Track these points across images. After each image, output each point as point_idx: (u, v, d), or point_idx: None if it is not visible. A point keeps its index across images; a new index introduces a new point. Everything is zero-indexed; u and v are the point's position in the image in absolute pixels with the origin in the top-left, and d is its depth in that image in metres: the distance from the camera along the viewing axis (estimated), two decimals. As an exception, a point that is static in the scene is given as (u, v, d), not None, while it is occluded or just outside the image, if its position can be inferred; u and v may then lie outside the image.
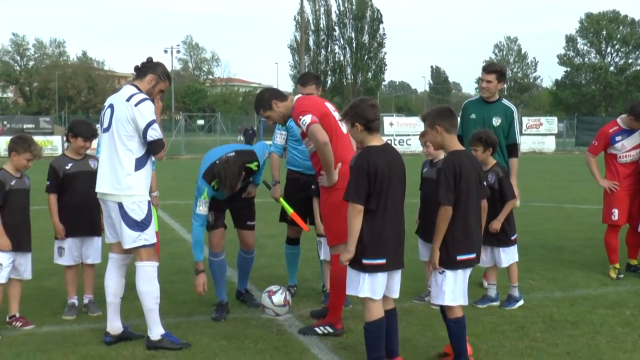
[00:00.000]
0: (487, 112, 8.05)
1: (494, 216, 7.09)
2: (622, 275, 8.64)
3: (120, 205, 5.88)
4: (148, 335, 6.01)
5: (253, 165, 6.97)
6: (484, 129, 7.51)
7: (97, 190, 6.03)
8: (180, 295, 7.82)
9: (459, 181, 5.31)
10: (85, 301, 7.19)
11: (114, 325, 6.14)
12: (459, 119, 8.06)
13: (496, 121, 7.99)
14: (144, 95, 5.94)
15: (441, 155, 6.42)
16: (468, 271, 5.49)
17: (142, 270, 6.00)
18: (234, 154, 6.82)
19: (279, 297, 6.91)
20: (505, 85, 8.05)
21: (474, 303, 7.23)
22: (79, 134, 7.01)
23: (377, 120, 5.36)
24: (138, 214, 5.91)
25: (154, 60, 6.22)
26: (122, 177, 5.86)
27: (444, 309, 5.51)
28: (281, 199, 7.55)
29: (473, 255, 5.44)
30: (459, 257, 5.35)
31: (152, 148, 5.93)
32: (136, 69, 6.17)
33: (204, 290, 6.86)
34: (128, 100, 5.88)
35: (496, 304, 7.25)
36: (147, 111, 5.86)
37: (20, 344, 6.12)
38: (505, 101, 8.23)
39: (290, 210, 7.35)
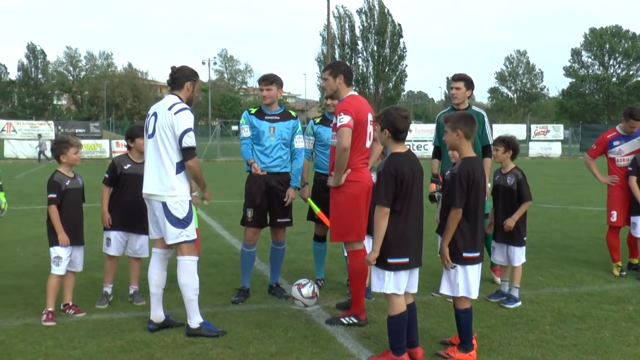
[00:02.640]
0: None
1: (511, 215, 7.05)
2: (624, 273, 8.53)
3: (164, 205, 5.92)
4: (187, 324, 6.02)
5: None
6: (509, 135, 7.46)
7: (143, 191, 6.08)
8: (216, 287, 7.83)
9: (471, 186, 5.30)
10: (131, 292, 7.22)
11: (157, 314, 6.16)
12: (435, 130, 7.99)
13: None
14: (184, 105, 5.97)
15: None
16: (476, 267, 5.46)
17: (183, 263, 6.01)
18: None
19: (307, 290, 6.89)
20: (472, 93, 7.86)
21: (488, 297, 7.17)
22: (137, 134, 7.11)
23: (405, 132, 5.31)
24: (180, 213, 5.93)
25: (176, 66, 6.19)
26: (165, 179, 5.91)
27: (454, 301, 5.52)
28: (309, 199, 7.56)
29: (477, 254, 5.44)
30: (465, 255, 5.38)
31: (184, 153, 5.91)
32: (170, 82, 6.17)
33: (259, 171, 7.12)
34: (170, 109, 5.92)
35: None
36: (186, 120, 5.88)
37: (73, 329, 6.16)
38: (475, 108, 8.04)
39: (317, 210, 7.36)
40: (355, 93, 6.54)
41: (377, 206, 5.13)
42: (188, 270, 6.02)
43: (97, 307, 6.96)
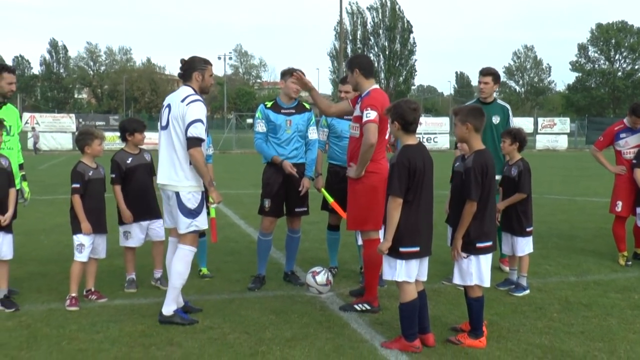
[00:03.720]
0: (487, 112, 7.85)
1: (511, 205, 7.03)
2: (630, 263, 8.48)
3: (178, 194, 5.89)
4: (161, 310, 5.95)
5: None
6: (515, 127, 7.45)
7: (158, 181, 6.05)
8: (233, 274, 7.85)
9: (485, 178, 5.27)
10: (157, 275, 7.21)
11: (177, 300, 6.15)
12: None
13: (496, 119, 7.88)
14: (197, 97, 5.91)
15: None
16: (489, 256, 5.44)
17: (182, 252, 5.97)
18: None
19: (321, 277, 6.90)
20: (499, 87, 7.96)
21: (497, 286, 7.14)
22: (136, 129, 7.11)
23: (414, 124, 5.28)
24: (192, 203, 5.90)
25: (185, 58, 6.12)
26: (179, 171, 5.87)
27: (466, 289, 5.50)
28: (323, 190, 7.54)
29: (490, 243, 5.42)
30: (479, 245, 5.35)
31: (187, 142, 5.79)
32: (181, 75, 6.12)
33: (293, 170, 7.11)
34: (183, 100, 5.87)
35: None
36: (196, 111, 5.82)
37: (95, 314, 6.20)
38: (500, 101, 8.10)
39: (330, 200, 7.35)
40: (377, 86, 6.47)
41: (390, 197, 5.12)
42: (185, 260, 5.97)
43: (126, 291, 7.03)
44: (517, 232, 7.06)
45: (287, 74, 7.24)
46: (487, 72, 7.90)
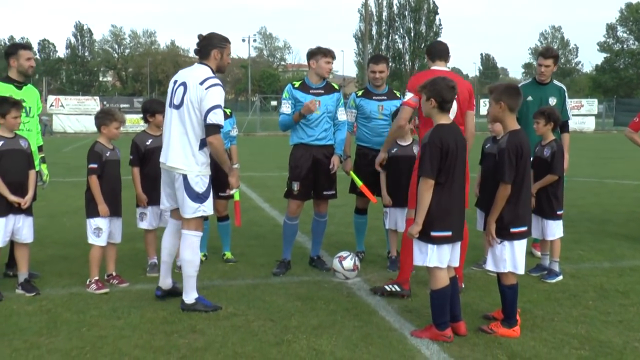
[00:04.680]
0: (543, 93, 7.74)
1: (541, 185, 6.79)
2: (667, 248, 8.19)
3: (185, 177, 5.63)
4: (183, 299, 5.76)
5: None
6: (549, 106, 7.22)
7: (166, 163, 5.73)
8: (257, 259, 7.68)
9: (519, 160, 5.02)
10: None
11: (166, 282, 5.99)
12: None
13: (552, 101, 7.72)
14: (216, 81, 5.62)
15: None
16: (523, 242, 5.20)
17: (188, 239, 5.73)
18: None
19: (348, 262, 6.70)
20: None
21: (529, 272, 6.88)
22: (157, 110, 6.90)
23: (451, 103, 5.05)
24: (200, 187, 5.66)
25: (203, 34, 5.84)
26: (189, 154, 5.61)
27: (499, 276, 5.26)
28: (351, 172, 7.35)
29: (525, 228, 5.17)
30: (513, 230, 5.10)
31: (206, 129, 5.55)
32: (197, 52, 5.83)
33: (314, 106, 6.93)
34: (201, 83, 5.57)
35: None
36: (215, 96, 5.54)
37: (116, 299, 6.06)
38: (556, 82, 7.97)
39: (359, 183, 7.16)
40: (439, 67, 6.27)
41: (422, 178, 4.89)
42: (193, 246, 5.74)
43: (148, 275, 6.89)
44: (548, 215, 6.82)
45: (320, 53, 7.00)
46: (549, 55, 7.78)
